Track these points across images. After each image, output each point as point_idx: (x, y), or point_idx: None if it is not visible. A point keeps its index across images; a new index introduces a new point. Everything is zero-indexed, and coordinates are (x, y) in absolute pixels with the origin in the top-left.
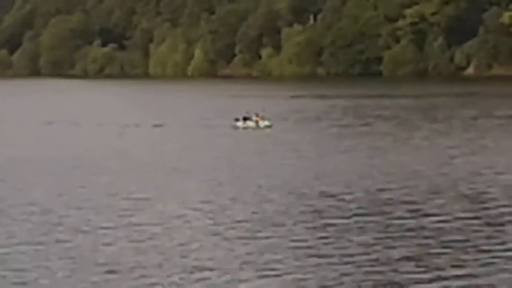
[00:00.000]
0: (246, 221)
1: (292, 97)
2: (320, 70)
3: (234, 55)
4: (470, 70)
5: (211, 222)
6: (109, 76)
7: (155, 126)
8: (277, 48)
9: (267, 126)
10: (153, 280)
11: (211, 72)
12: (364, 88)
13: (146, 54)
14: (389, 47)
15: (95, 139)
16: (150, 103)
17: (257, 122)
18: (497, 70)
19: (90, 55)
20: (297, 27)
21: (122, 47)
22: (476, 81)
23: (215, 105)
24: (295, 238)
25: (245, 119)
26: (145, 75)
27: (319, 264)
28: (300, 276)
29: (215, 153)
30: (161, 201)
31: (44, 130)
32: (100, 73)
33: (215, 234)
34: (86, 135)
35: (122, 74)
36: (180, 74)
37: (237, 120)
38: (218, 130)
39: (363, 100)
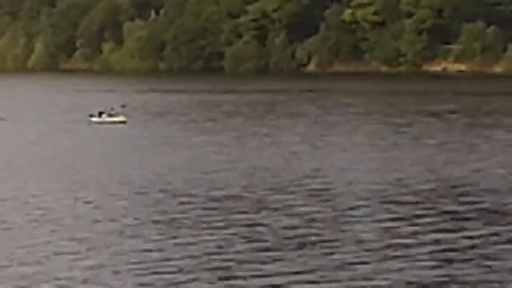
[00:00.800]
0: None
1: (137, 91)
2: (162, 65)
3: (75, 49)
4: (311, 67)
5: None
6: None
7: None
8: (119, 42)
9: (121, 122)
10: None
11: (51, 66)
12: (207, 83)
13: None
14: (231, 43)
15: None
16: None
17: (111, 117)
18: (338, 67)
19: None
20: (139, 21)
21: None
22: (317, 77)
23: (60, 99)
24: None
25: (100, 113)
26: None
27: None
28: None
29: (61, 149)
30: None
31: None
32: None
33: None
34: None
35: None
36: (21, 67)
37: (91, 115)
38: (70, 126)
39: (207, 95)
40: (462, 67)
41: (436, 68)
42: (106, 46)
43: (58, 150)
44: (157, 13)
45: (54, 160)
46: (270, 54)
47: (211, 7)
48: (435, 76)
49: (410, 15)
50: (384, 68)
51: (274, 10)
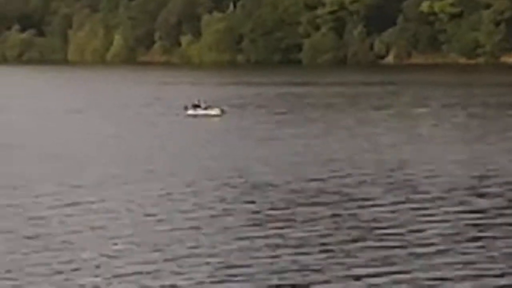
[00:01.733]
0: (190, 209)
1: (216, 84)
2: (239, 58)
3: (154, 42)
4: (389, 59)
5: (157, 209)
6: (28, 62)
7: (97, 113)
8: (197, 35)
9: (217, 114)
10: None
11: (130, 58)
12: (285, 76)
13: (65, 39)
14: (308, 35)
15: (28, 125)
16: (78, 89)
17: (206, 109)
18: (416, 59)
19: (8, 40)
20: (217, 14)
21: (41, 33)
22: (395, 69)
23: (144, 92)
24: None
25: (195, 106)
26: (64, 61)
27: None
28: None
29: (165, 140)
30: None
31: None
32: (19, 59)
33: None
34: (20, 122)
35: (41, 60)
36: (99, 60)
37: (186, 108)
38: (166, 119)
39: (286, 88)
40: None
41: None
42: (184, 39)
43: (158, 143)
44: (234, 5)
45: (153, 153)
46: (347, 46)
47: None
48: None
49: (488, 6)
50: (462, 60)
51: (352, 2)
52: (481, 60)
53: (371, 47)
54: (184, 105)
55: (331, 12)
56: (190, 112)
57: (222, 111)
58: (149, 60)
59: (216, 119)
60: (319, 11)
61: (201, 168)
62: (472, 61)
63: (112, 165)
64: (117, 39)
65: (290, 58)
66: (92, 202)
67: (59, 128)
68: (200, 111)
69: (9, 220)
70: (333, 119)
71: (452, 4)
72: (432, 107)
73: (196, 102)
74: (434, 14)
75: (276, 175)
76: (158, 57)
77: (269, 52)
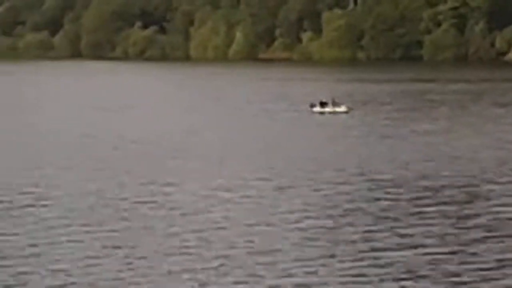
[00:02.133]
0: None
1: (338, 81)
2: (360, 54)
3: (274, 39)
4: (511, 55)
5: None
6: (150, 59)
7: (223, 110)
8: (317, 32)
9: (344, 111)
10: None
11: (251, 55)
12: (407, 72)
13: (187, 36)
14: (429, 31)
15: (164, 123)
16: (201, 86)
17: (334, 107)
18: None
19: (131, 37)
20: (337, 11)
21: (163, 30)
22: None
23: (267, 88)
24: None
25: (322, 104)
26: (186, 58)
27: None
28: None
29: (291, 136)
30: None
31: (100, 114)
32: (141, 56)
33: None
34: (154, 119)
35: (163, 57)
36: (221, 57)
37: (313, 105)
38: (292, 115)
39: (409, 85)
40: None
41: None
42: (305, 36)
43: (285, 139)
44: (355, 2)
45: (279, 148)
46: (469, 43)
47: None
48: None
49: None
50: None
51: None
52: None
53: (493, 44)
54: (310, 103)
55: (453, 8)
56: (317, 109)
57: (350, 108)
58: (270, 56)
59: (343, 116)
60: (441, 7)
61: (324, 164)
62: None
63: (247, 161)
64: (238, 36)
65: (411, 55)
66: (230, 198)
67: (187, 125)
68: (327, 109)
69: (163, 217)
70: (456, 115)
71: None
72: None
73: (324, 100)
74: None
75: (399, 172)
76: (279, 53)
77: (390, 48)
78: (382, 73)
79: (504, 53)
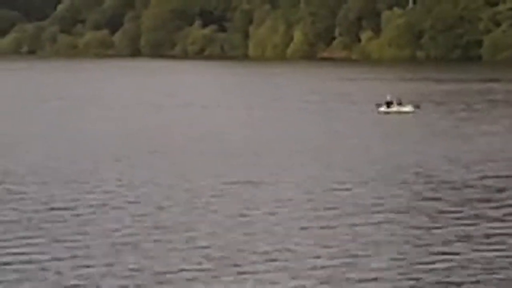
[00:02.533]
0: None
1: (399, 80)
2: (419, 54)
3: (333, 38)
4: None
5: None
6: (209, 57)
7: (286, 109)
8: (377, 31)
9: (410, 111)
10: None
11: (310, 54)
12: (467, 72)
13: (246, 35)
14: (489, 31)
15: (226, 121)
16: (263, 85)
17: (399, 106)
18: None
19: (190, 36)
20: (397, 10)
21: (222, 29)
22: None
23: (330, 87)
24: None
25: (388, 104)
26: (245, 57)
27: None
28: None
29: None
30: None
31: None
32: (200, 54)
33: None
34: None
35: (222, 55)
36: (280, 55)
37: (379, 105)
38: (357, 115)
39: (470, 84)
40: None
41: None
42: (365, 35)
43: (351, 138)
44: (414, 1)
45: (341, 147)
46: None
47: None
48: None
49: None
50: None
51: None
52: None
53: None
54: (376, 103)
55: None
56: (383, 109)
57: (417, 107)
58: (329, 55)
59: (409, 115)
60: (500, 7)
61: (383, 163)
62: None
63: (311, 161)
64: (297, 35)
65: (470, 55)
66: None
67: (257, 124)
68: (393, 108)
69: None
70: None
71: None
72: None
73: (389, 99)
74: None
75: (459, 172)
76: (338, 52)
77: (449, 48)
78: (442, 72)
79: None
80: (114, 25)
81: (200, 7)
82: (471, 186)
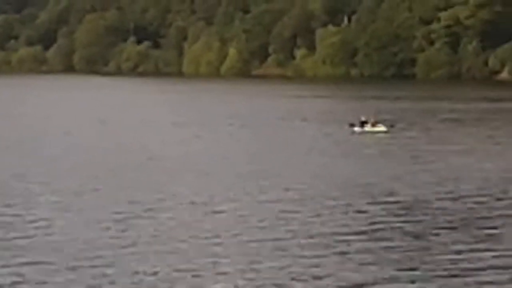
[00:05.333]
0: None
1: (337, 97)
2: (354, 72)
3: (268, 55)
4: (504, 74)
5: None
6: (143, 74)
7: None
8: (311, 48)
9: (383, 131)
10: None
11: (244, 71)
12: (404, 90)
13: (181, 52)
14: (423, 50)
15: (170, 140)
16: (199, 102)
17: (374, 126)
18: None
19: (124, 52)
20: (331, 28)
21: (156, 45)
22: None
23: (277, 105)
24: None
25: (362, 123)
26: (179, 73)
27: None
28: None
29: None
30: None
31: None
32: (134, 71)
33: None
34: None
35: (156, 72)
36: (214, 72)
37: (352, 125)
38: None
39: (412, 103)
40: None
41: None
42: (299, 52)
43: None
44: (349, 19)
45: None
46: (462, 61)
47: (403, 13)
48: None
49: None
50: None
51: (467, 17)
52: None
53: (486, 63)
54: (349, 122)
55: (446, 27)
56: (357, 129)
57: (391, 126)
58: (263, 73)
59: (381, 135)
60: (434, 26)
61: (349, 185)
62: None
63: (293, 181)
64: (232, 52)
65: (404, 73)
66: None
67: (209, 145)
68: (366, 128)
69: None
70: (473, 134)
71: None
72: None
73: (363, 119)
74: None
75: (425, 193)
76: (272, 70)
77: (383, 66)
78: (377, 90)
79: (497, 72)
80: (47, 41)
81: (134, 23)
82: (426, 208)
